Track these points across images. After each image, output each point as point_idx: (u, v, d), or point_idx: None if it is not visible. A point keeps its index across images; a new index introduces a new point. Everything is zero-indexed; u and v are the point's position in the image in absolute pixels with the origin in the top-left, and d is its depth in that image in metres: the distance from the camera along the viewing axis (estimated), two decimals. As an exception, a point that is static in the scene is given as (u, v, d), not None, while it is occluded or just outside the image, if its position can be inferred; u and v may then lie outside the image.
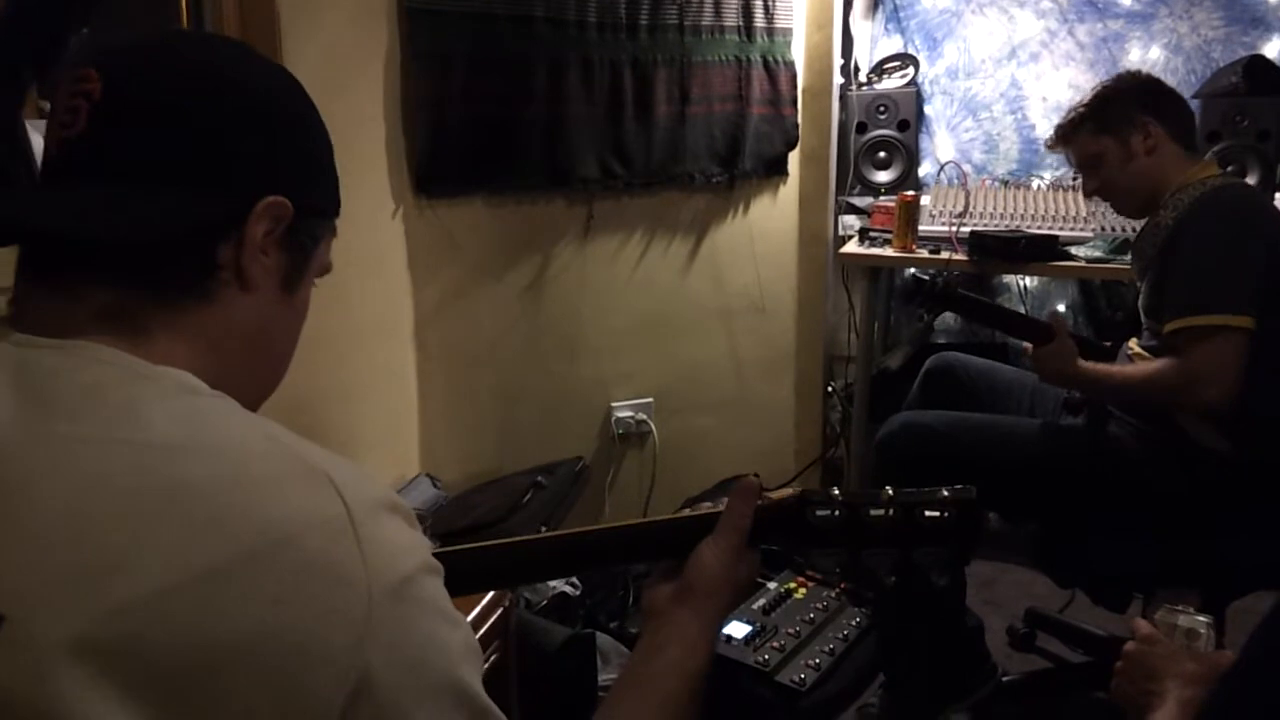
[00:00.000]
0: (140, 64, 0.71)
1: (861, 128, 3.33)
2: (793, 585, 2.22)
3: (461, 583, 0.67)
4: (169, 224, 0.66)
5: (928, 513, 0.91)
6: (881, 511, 0.92)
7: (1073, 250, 2.84)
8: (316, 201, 0.76)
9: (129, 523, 0.55)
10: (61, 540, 0.54)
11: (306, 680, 0.55)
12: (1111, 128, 2.11)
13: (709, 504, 1.01)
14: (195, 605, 0.54)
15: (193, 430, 0.60)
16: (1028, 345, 2.12)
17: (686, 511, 1.08)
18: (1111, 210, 2.91)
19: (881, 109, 3.32)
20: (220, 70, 0.73)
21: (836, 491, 0.95)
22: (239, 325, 0.71)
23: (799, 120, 3.09)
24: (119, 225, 0.65)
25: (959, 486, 0.92)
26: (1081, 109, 2.16)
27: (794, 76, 3.05)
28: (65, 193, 0.69)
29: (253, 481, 0.59)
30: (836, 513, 0.94)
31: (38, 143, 1.62)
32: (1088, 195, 2.29)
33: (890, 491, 0.93)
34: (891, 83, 3.37)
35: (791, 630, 2.05)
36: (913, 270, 3.29)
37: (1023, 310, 3.29)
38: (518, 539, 1.03)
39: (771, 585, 2.21)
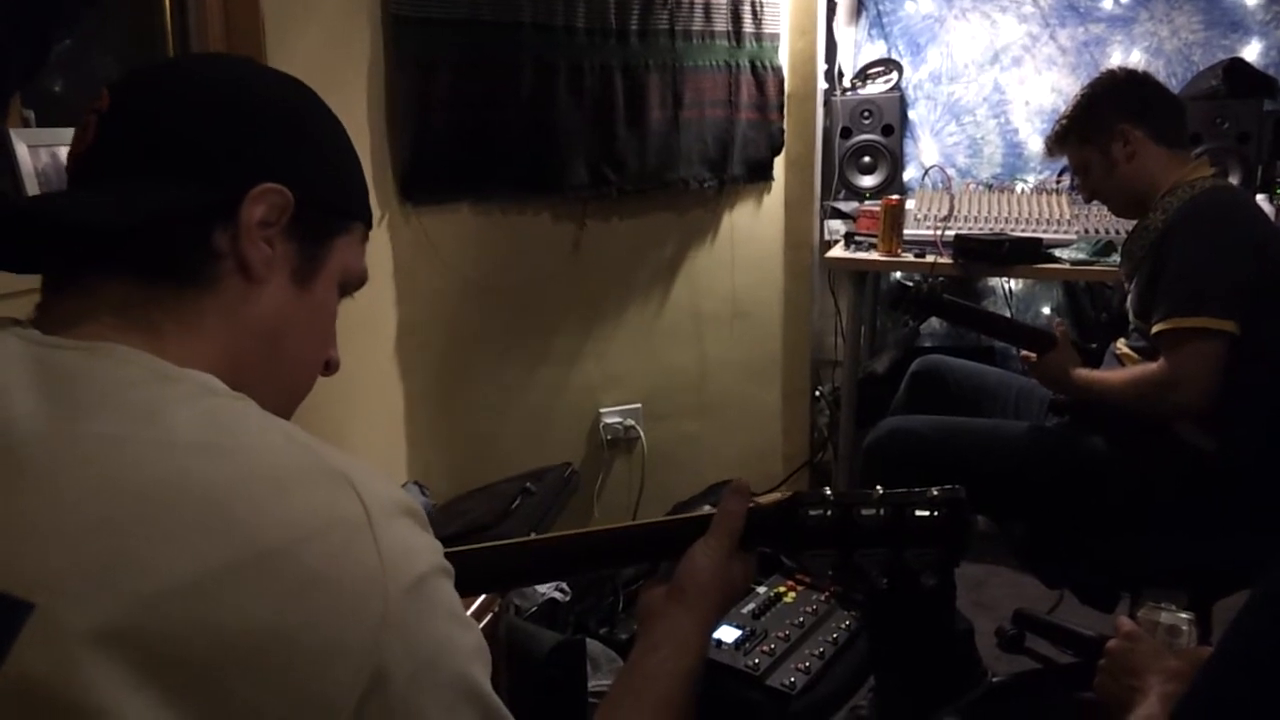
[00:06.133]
0: (145, 76, 0.75)
1: (846, 133, 3.34)
2: (782, 589, 2.22)
3: (457, 585, 0.67)
4: (161, 209, 0.68)
5: (918, 512, 0.92)
6: (872, 511, 0.93)
7: (1057, 253, 2.86)
8: (323, 194, 0.77)
9: (151, 518, 0.56)
10: (86, 534, 0.55)
11: (322, 677, 0.56)
12: (1092, 138, 2.12)
13: (707, 506, 1.02)
14: (215, 600, 0.55)
15: (214, 430, 0.61)
16: (1028, 354, 2.14)
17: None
18: (1095, 213, 2.95)
19: (865, 114, 3.34)
20: (217, 73, 0.77)
21: (828, 491, 0.96)
22: (251, 320, 0.72)
23: (784, 126, 3.10)
24: (114, 212, 0.67)
25: (949, 486, 0.93)
26: (1064, 120, 2.17)
27: (781, 82, 3.06)
28: (72, 193, 0.72)
29: (273, 480, 0.60)
30: (829, 513, 0.94)
31: (22, 151, 1.61)
32: (1085, 200, 2.32)
33: (881, 491, 0.94)
34: (875, 88, 3.38)
35: (781, 634, 2.05)
36: (898, 275, 3.31)
37: (1009, 314, 3.32)
38: (511, 541, 1.03)
39: (761, 589, 2.21)
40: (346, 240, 0.79)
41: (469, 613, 1.67)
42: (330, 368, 0.83)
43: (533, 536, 1.04)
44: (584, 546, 1.01)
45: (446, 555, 0.66)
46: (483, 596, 1.72)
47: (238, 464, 0.60)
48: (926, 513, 0.92)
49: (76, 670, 0.52)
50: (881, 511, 0.93)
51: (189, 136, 0.71)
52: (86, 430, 0.59)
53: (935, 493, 0.92)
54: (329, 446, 0.64)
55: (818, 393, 3.42)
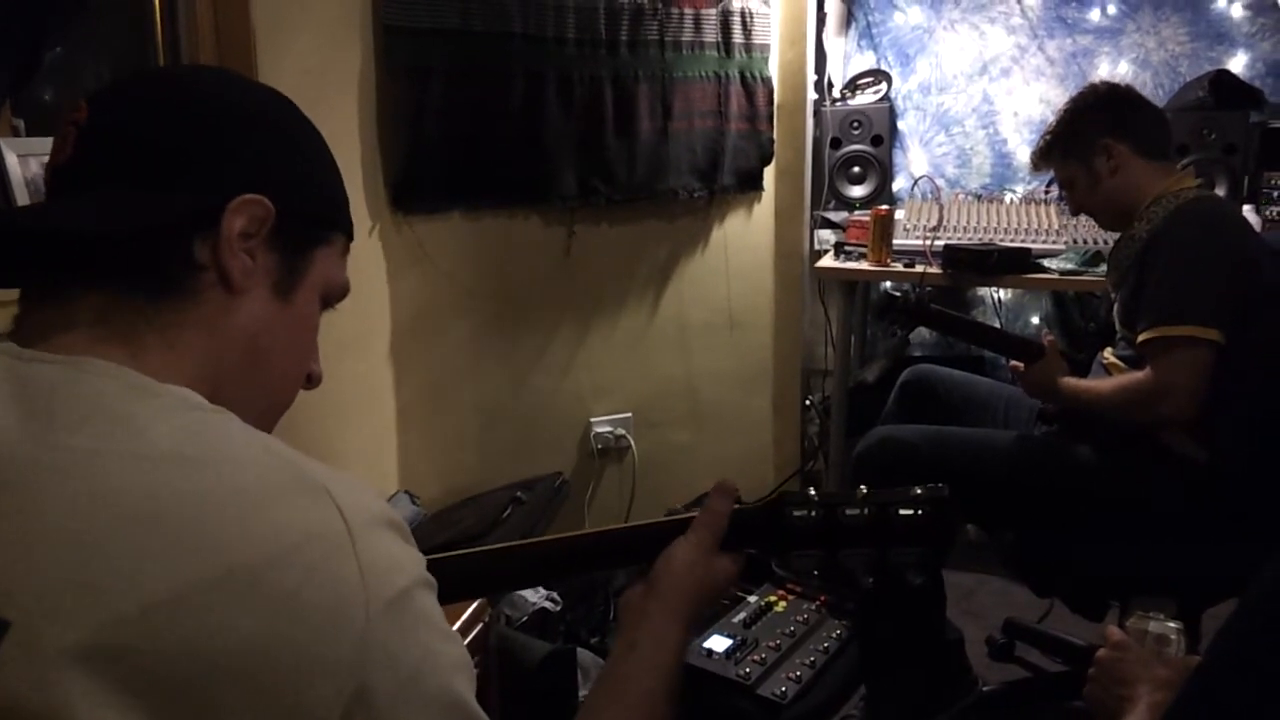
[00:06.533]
0: (123, 88, 0.74)
1: (836, 143, 3.36)
2: (773, 598, 2.22)
3: (445, 590, 0.67)
4: (141, 220, 0.68)
5: (902, 511, 0.93)
6: (857, 511, 0.94)
7: (1045, 262, 2.87)
8: (304, 205, 0.76)
9: (131, 533, 0.56)
10: (65, 550, 0.55)
11: (304, 692, 0.56)
12: (1075, 153, 2.14)
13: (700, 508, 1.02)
14: (195, 616, 0.54)
15: (194, 444, 0.61)
16: (1016, 363, 2.15)
17: None
18: (1083, 223, 2.96)
19: (855, 124, 3.36)
20: (196, 84, 0.76)
21: (813, 492, 0.96)
22: (231, 332, 0.72)
23: (774, 136, 3.11)
24: (93, 223, 0.67)
25: (932, 485, 0.93)
26: (1048, 135, 2.20)
27: (771, 92, 3.07)
28: (51, 204, 0.72)
29: (253, 495, 0.59)
30: (813, 513, 0.95)
31: (11, 161, 1.61)
32: (1073, 213, 2.34)
33: (865, 491, 0.94)
34: (865, 98, 3.40)
35: (772, 643, 2.04)
36: (886, 284, 3.32)
37: (998, 324, 3.33)
38: (502, 545, 1.03)
39: (752, 598, 2.20)
40: (327, 251, 0.79)
41: (459, 623, 1.68)
42: (312, 381, 0.83)
43: (517, 541, 1.04)
44: (569, 550, 1.01)
45: (431, 560, 0.66)
46: (473, 607, 1.72)
47: (218, 478, 0.59)
48: (910, 511, 0.93)
49: (56, 688, 0.52)
50: (866, 511, 0.94)
51: (168, 148, 0.70)
52: (66, 445, 0.59)
53: (919, 491, 0.93)
54: (310, 459, 0.64)
55: (808, 402, 3.43)
